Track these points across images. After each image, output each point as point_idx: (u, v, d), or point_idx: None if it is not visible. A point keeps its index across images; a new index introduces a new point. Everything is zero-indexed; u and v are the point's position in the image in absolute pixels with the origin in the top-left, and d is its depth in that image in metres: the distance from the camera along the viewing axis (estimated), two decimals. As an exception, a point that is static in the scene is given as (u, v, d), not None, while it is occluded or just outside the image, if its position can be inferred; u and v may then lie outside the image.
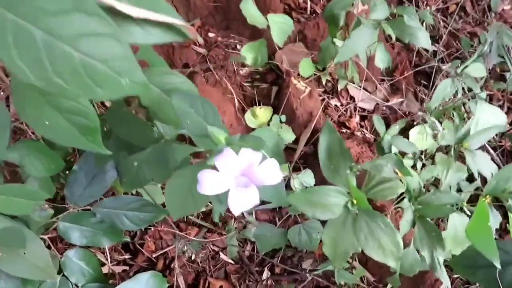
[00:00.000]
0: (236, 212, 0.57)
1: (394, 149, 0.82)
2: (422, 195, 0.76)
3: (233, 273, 1.46)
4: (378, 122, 0.89)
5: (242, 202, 0.57)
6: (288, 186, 1.28)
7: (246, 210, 0.59)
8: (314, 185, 1.19)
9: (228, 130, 0.70)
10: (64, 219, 1.06)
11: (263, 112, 1.26)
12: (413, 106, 1.68)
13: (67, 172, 1.11)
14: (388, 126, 1.63)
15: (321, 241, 0.78)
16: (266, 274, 1.44)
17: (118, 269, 1.38)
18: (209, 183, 0.55)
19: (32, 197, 0.70)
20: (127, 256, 1.42)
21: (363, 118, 1.57)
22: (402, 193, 0.88)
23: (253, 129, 1.33)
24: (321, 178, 1.30)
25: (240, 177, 0.57)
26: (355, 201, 0.73)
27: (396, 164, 0.71)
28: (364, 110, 1.57)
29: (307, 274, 1.31)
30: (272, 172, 0.57)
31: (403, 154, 1.11)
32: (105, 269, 1.32)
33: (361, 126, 1.53)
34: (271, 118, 1.30)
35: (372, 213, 0.71)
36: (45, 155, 0.78)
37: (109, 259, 1.30)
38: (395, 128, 0.83)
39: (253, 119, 1.24)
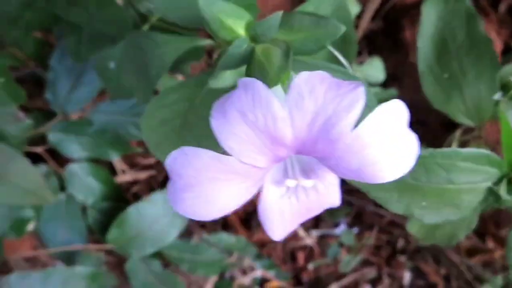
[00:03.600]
0: (279, 235, 0.27)
1: None
2: None
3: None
4: None
5: (294, 210, 0.26)
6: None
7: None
8: (384, 84, 0.82)
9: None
10: (55, 129, 0.84)
11: None
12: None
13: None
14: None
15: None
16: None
17: (143, 175, 1.21)
18: (200, 186, 0.23)
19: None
20: (152, 160, 1.23)
21: None
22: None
23: None
24: (394, 69, 0.93)
25: (292, 156, 0.24)
26: None
27: None
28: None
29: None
30: (396, 142, 0.22)
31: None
32: (126, 177, 1.15)
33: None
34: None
35: None
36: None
37: (119, 167, 1.11)
38: None
39: None
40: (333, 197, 0.26)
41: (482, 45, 0.38)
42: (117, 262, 0.97)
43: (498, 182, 0.34)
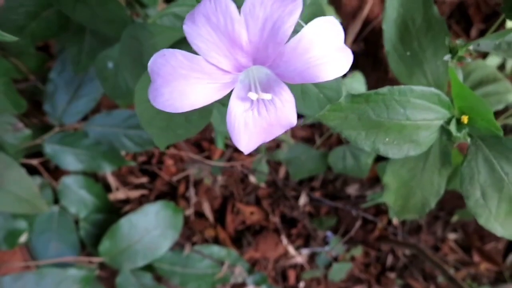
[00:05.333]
0: (246, 147, 0.31)
1: None
2: None
3: (265, 198, 1.26)
4: None
5: (258, 124, 0.30)
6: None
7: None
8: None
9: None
10: (51, 141, 0.86)
11: None
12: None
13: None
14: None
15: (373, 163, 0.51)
16: (303, 199, 1.23)
17: (135, 194, 1.22)
18: (174, 81, 0.27)
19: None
20: (144, 180, 1.25)
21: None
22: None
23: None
24: (375, 85, 0.99)
25: (253, 67, 0.29)
26: (464, 119, 0.40)
27: None
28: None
29: (354, 211, 1.07)
30: (332, 46, 0.28)
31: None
32: (119, 194, 1.16)
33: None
34: None
35: (504, 145, 0.40)
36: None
37: (113, 184, 1.13)
38: None
39: None
40: (290, 114, 0.30)
41: (437, 26, 0.44)
42: (109, 276, 0.97)
43: (449, 121, 0.39)
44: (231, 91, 0.30)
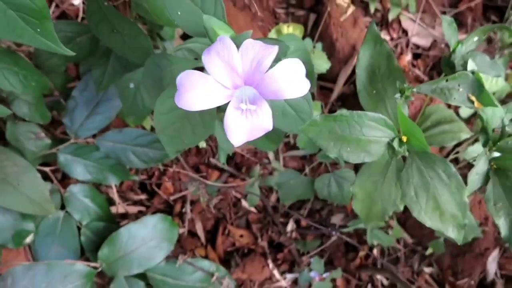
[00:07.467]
0: (236, 141, 0.43)
1: (469, 68, 0.59)
2: (504, 139, 0.55)
3: (255, 222, 1.34)
4: (449, 28, 0.61)
5: (246, 126, 0.42)
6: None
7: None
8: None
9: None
10: (65, 151, 0.95)
11: (291, 31, 1.04)
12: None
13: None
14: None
15: (353, 194, 0.61)
16: (291, 226, 1.31)
17: (133, 209, 1.30)
18: (192, 90, 0.39)
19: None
20: (143, 197, 1.32)
21: (416, 56, 1.33)
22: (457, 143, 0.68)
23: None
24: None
25: (244, 87, 0.41)
26: (404, 139, 0.52)
27: (473, 88, 0.49)
28: (418, 47, 1.33)
29: (334, 232, 1.16)
30: (294, 77, 0.40)
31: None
32: (119, 208, 1.23)
33: (413, 66, 1.30)
34: (302, 39, 1.09)
35: (430, 158, 0.52)
36: (23, 70, 0.65)
37: (117, 198, 1.21)
38: (473, 39, 0.59)
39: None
40: (267, 121, 0.43)
41: (396, 73, 0.56)
42: (104, 284, 1.02)
43: (393, 139, 0.50)
44: (229, 101, 0.42)
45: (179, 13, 0.45)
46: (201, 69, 0.67)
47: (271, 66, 0.39)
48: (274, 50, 0.39)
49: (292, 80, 0.40)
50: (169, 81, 0.58)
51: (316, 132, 0.50)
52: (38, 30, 0.39)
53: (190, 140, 0.55)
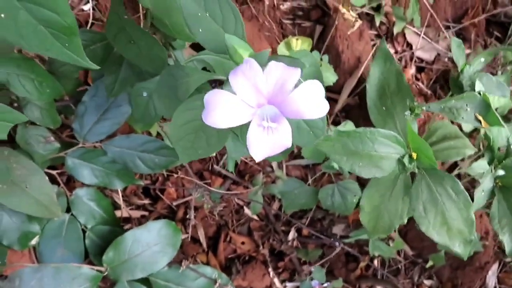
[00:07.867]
0: (257, 156, 0.44)
1: (477, 89, 0.61)
2: (509, 158, 0.57)
3: (257, 230, 1.35)
4: (457, 49, 0.64)
5: (267, 142, 0.43)
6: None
7: (272, 156, 0.45)
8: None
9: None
10: (73, 155, 0.97)
11: (300, 44, 1.06)
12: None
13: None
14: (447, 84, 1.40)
15: (357, 205, 0.63)
16: (292, 234, 1.32)
17: (136, 214, 1.31)
18: (219, 109, 0.41)
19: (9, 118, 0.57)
20: (146, 202, 1.34)
21: (420, 69, 1.35)
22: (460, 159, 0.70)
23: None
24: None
25: (267, 106, 0.42)
26: (414, 155, 0.55)
27: (480, 108, 0.51)
28: (422, 60, 1.35)
29: (336, 243, 1.17)
30: (315, 99, 0.41)
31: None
32: (123, 212, 1.25)
33: (417, 79, 1.32)
34: (310, 51, 1.11)
35: (439, 175, 0.54)
36: (39, 76, 0.66)
37: (121, 202, 1.22)
38: (480, 60, 0.62)
39: (286, 52, 1.06)
40: (287, 138, 0.44)
41: (405, 90, 0.58)
42: (107, 288, 1.03)
43: (403, 156, 0.52)
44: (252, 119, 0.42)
45: (200, 30, 0.47)
46: (215, 81, 0.69)
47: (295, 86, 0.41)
48: (297, 72, 0.41)
49: (313, 102, 0.41)
50: (184, 91, 0.59)
51: (330, 147, 0.52)
52: (67, 45, 0.41)
53: (204, 150, 0.57)
